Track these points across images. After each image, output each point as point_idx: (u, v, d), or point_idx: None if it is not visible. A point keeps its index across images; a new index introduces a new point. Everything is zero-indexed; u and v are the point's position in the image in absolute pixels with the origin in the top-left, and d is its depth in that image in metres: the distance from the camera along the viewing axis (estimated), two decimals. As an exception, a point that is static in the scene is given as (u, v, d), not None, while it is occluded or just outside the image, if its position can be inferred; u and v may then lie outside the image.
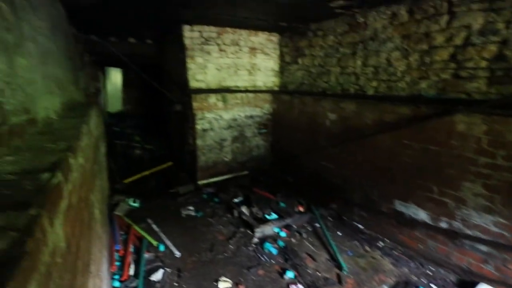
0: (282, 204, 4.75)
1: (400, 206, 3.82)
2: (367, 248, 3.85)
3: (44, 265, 0.73)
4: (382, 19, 3.91)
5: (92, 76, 8.00)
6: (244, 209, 4.52)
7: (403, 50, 3.69)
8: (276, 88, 6.28)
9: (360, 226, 4.41)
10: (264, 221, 4.22)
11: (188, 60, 5.26)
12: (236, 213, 4.49)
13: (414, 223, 3.67)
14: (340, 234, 4.23)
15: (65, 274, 1.00)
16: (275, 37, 6.03)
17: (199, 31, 5.24)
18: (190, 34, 5.18)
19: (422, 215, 3.57)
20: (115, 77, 12.81)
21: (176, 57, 5.85)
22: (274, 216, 4.39)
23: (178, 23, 5.02)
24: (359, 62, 4.33)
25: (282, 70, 6.15)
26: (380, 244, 3.94)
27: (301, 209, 4.67)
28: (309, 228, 4.29)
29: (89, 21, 4.76)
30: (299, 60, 5.59)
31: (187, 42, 5.18)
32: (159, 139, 9.29)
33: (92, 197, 2.23)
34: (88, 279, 1.55)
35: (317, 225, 4.34)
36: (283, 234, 4.06)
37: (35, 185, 0.96)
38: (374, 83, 4.13)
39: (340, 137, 4.62)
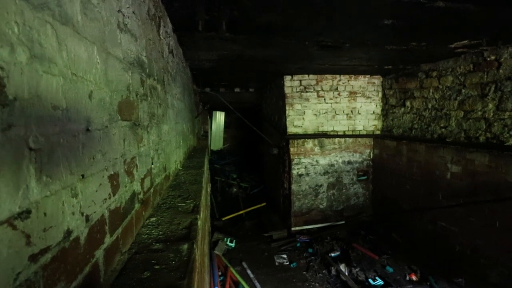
0: (389, 269, 4.09)
1: None
2: None
3: None
4: (524, 56, 3.23)
5: (203, 120, 9.24)
6: (342, 268, 4.08)
7: (562, 91, 2.90)
8: (378, 132, 5.83)
9: (502, 314, 3.35)
10: (368, 286, 3.68)
11: (287, 108, 5.48)
12: (333, 271, 4.09)
13: None
14: (472, 321, 3.29)
15: None
16: (377, 80, 5.74)
17: (299, 80, 5.45)
18: (290, 83, 5.44)
19: None
20: (219, 118, 14.45)
21: (275, 103, 6.20)
22: (379, 282, 3.79)
23: (280, 74, 5.37)
24: (491, 106, 3.62)
25: (386, 114, 5.71)
26: None
27: (414, 277, 3.91)
28: (427, 305, 3.51)
29: (206, 78, 5.60)
30: (407, 103, 5.09)
31: (287, 91, 5.44)
32: (254, 177, 9.74)
33: (205, 246, 2.39)
34: None
35: (438, 303, 3.51)
36: (392, 307, 3.43)
37: (178, 259, 1.04)
38: (516, 131, 3.33)
39: (467, 195, 3.80)
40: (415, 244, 4.60)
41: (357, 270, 4.00)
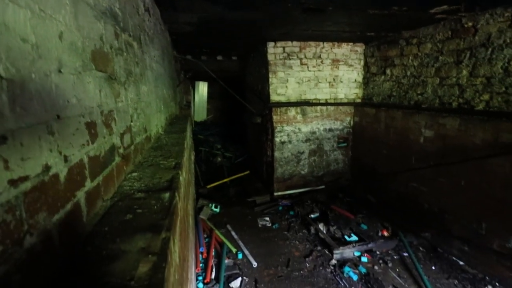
0: (363, 226, 4.40)
1: (520, 247, 3.10)
2: (471, 291, 3.23)
3: (171, 285, 0.82)
4: (498, 23, 3.31)
5: (185, 90, 9.02)
6: (321, 227, 4.36)
7: (529, 57, 3.04)
8: (359, 100, 5.95)
9: (460, 262, 3.75)
10: (344, 242, 3.98)
11: (270, 75, 5.43)
12: (312, 230, 4.36)
13: (542, 272, 2.92)
14: (434, 268, 3.67)
15: (178, 286, 1.11)
16: (360, 47, 5.74)
17: (283, 47, 5.37)
18: (273, 50, 5.35)
19: (556, 263, 2.81)
20: (202, 89, 14.13)
21: (258, 72, 6.12)
22: (354, 238, 4.10)
23: (263, 41, 5.25)
24: (465, 72, 3.75)
25: (367, 82, 5.79)
26: (488, 287, 3.26)
27: (385, 233, 4.24)
28: (395, 257, 3.86)
29: (186, 44, 5.40)
30: (387, 71, 5.17)
31: (270, 58, 5.37)
32: (238, 147, 9.82)
33: (188, 206, 2.47)
34: (188, 286, 1.70)
35: (405, 254, 3.86)
36: (364, 259, 3.75)
37: (160, 205, 1.09)
38: (486, 96, 3.50)
39: (438, 157, 4.05)
40: (389, 204, 4.94)
41: (334, 228, 4.29)
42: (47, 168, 0.68)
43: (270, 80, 5.45)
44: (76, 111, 0.86)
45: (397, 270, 3.62)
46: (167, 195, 1.19)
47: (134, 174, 1.47)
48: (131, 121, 1.58)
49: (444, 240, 3.98)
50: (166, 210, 1.06)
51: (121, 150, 1.33)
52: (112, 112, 1.23)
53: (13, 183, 0.55)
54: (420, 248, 4.04)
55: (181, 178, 1.57)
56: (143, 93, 1.98)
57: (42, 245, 0.63)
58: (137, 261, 0.74)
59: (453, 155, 3.80)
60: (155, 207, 1.08)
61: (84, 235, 0.86)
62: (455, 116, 3.80)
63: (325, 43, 5.54)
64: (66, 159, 0.78)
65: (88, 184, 0.93)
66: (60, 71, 0.77)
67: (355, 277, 3.45)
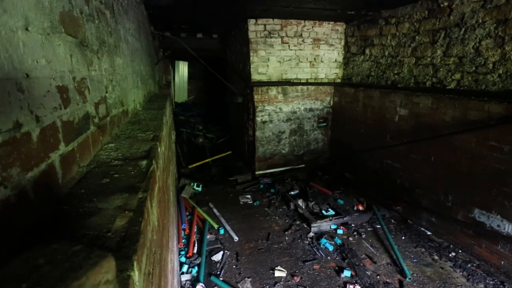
0: (340, 201, 4.62)
1: (480, 215, 3.39)
2: (436, 257, 3.53)
3: (149, 242, 0.86)
4: (472, 3, 3.42)
5: (164, 69, 8.75)
6: (300, 203, 4.53)
7: (497, 37, 3.19)
8: (339, 80, 6.04)
9: (428, 232, 4.05)
10: (321, 216, 4.17)
11: (252, 54, 5.38)
12: (292, 206, 4.52)
13: (496, 236, 3.23)
14: (404, 238, 3.95)
15: (157, 249, 1.16)
16: (340, 27, 5.76)
17: (264, 25, 5.29)
18: (255, 28, 5.27)
19: (509, 228, 3.11)
20: (182, 69, 13.75)
21: (239, 50, 6.03)
22: (331, 212, 4.31)
23: (244, 18, 5.14)
24: (439, 52, 3.89)
25: (347, 62, 5.86)
26: (452, 254, 3.57)
27: (360, 208, 4.48)
28: (369, 229, 4.11)
29: (164, 19, 5.19)
30: (367, 51, 5.25)
31: (251, 36, 5.29)
32: (220, 128, 9.79)
33: (169, 180, 2.49)
34: (168, 254, 1.76)
35: (378, 226, 4.12)
36: (340, 231, 3.97)
37: (137, 171, 1.12)
38: (457, 76, 3.67)
39: (411, 135, 4.25)
40: (364, 181, 5.18)
41: (312, 204, 4.47)
42: (18, 125, 0.68)
43: (251, 59, 5.40)
44: (46, 73, 0.85)
45: (370, 241, 3.87)
46: (144, 162, 1.21)
47: (111, 145, 1.47)
48: (106, 92, 1.55)
49: (414, 212, 4.27)
50: (143, 175, 1.08)
51: (96, 120, 1.32)
52: (85, 80, 1.21)
53: (-17, 134, 0.56)
54: (392, 221, 4.31)
55: (159, 149, 1.59)
56: (118, 65, 1.93)
57: (16, 198, 0.65)
58: (114, 216, 0.77)
59: (425, 132, 4.00)
60: (132, 172, 1.10)
61: (61, 196, 0.87)
62: (428, 95, 3.97)
63: (306, 21, 5.51)
64: (37, 120, 0.77)
65: (63, 148, 0.93)
66: (27, 29, 0.76)
67: (331, 248, 3.66)
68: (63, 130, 0.94)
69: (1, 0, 0.65)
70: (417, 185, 4.21)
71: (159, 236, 1.28)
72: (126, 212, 0.80)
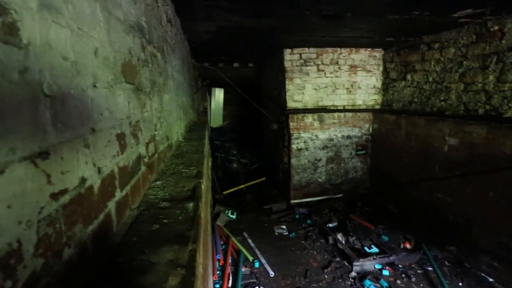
0: (384, 238, 4.26)
1: (558, 264, 2.90)
2: (503, 311, 3.04)
3: (198, 299, 0.82)
4: (529, 25, 3.17)
5: (202, 96, 9.16)
6: (340, 237, 4.25)
7: None
8: (378, 107, 5.83)
9: (489, 279, 3.54)
10: (364, 254, 3.86)
11: (287, 82, 5.43)
12: (331, 240, 4.26)
13: None
14: (461, 284, 3.48)
15: (201, 298, 1.11)
16: (378, 53, 5.65)
17: (299, 54, 5.37)
18: (290, 57, 5.36)
19: None
20: (218, 95, 14.31)
21: (275, 78, 6.14)
22: (374, 249, 3.97)
23: (279, 47, 5.27)
24: (491, 78, 3.60)
25: (386, 88, 5.67)
26: (523, 308, 3.06)
27: (408, 246, 4.09)
28: (419, 271, 3.70)
29: (204, 52, 5.50)
30: (408, 76, 5.05)
31: (286, 64, 5.37)
32: (253, 153, 9.83)
33: (207, 213, 2.48)
34: (207, 295, 1.70)
35: (430, 268, 3.69)
36: (386, 272, 3.61)
37: (184, 215, 1.10)
38: (516, 103, 3.35)
39: (463, 167, 3.88)
40: (410, 215, 4.76)
41: (353, 239, 4.18)
42: (83, 180, 0.70)
43: (286, 86, 5.44)
44: (109, 124, 0.89)
45: (421, 285, 3.47)
46: (191, 205, 1.20)
47: (158, 182, 1.50)
48: (155, 130, 1.61)
49: (471, 254, 3.79)
50: (190, 220, 1.06)
51: (146, 159, 1.36)
52: (139, 123, 1.26)
53: (54, 196, 0.57)
54: (446, 263, 3.85)
55: (202, 186, 1.58)
56: (165, 102, 2.02)
57: (78, 256, 0.65)
58: (166, 274, 0.74)
59: (481, 164, 3.63)
60: (180, 217, 1.09)
61: (114, 245, 0.87)
62: (482, 124, 3.64)
63: (342, 49, 5.49)
64: (99, 171, 0.80)
65: (118, 194, 0.95)
66: (95, 86, 0.80)
67: (376, 290, 3.33)
68: (119, 176, 0.96)
69: (75, 63, 0.69)
70: (474, 223, 3.76)
71: (202, 283, 1.24)
72: (178, 269, 0.76)
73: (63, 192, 0.61)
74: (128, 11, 1.18)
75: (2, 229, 0.44)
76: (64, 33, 0.64)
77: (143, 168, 1.29)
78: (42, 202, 0.54)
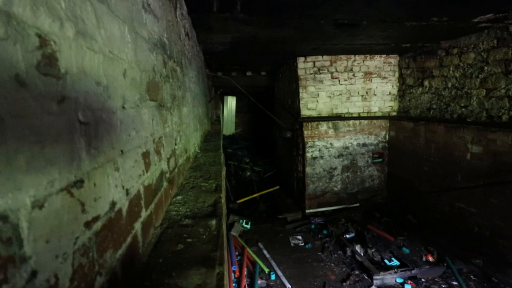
0: (405, 250, 4.10)
1: None
2: (538, 331, 2.85)
3: (227, 326, 0.79)
4: (556, 28, 3.04)
5: (215, 105, 9.25)
6: (358, 248, 4.13)
7: None
8: (394, 114, 5.70)
9: (521, 294, 3.34)
10: (384, 267, 3.72)
11: (301, 90, 5.40)
12: (349, 252, 4.14)
13: None
14: (489, 300, 3.30)
15: (226, 320, 1.07)
16: (394, 59, 5.55)
17: (313, 62, 5.34)
18: (304, 65, 5.34)
19: None
20: (231, 103, 14.42)
21: (288, 86, 6.12)
22: (395, 262, 3.83)
23: (293, 56, 5.27)
24: (516, 83, 3.46)
25: (403, 94, 5.55)
26: (560, 329, 2.85)
27: (430, 259, 3.92)
28: (443, 285, 3.52)
29: (218, 62, 5.56)
30: (425, 83, 4.92)
31: (300, 73, 5.35)
32: (266, 161, 9.79)
33: (223, 225, 2.46)
34: (228, 313, 1.66)
35: (455, 283, 3.52)
36: (408, 287, 3.46)
37: (208, 234, 1.08)
38: (543, 109, 3.19)
39: (488, 176, 3.71)
40: (432, 226, 4.58)
41: (372, 251, 4.04)
42: (113, 204, 0.69)
43: (300, 95, 5.42)
44: (135, 143, 0.89)
45: (446, 299, 3.31)
46: (213, 222, 1.18)
47: (179, 197, 1.49)
48: (175, 144, 1.62)
49: (499, 268, 3.59)
50: (214, 240, 1.04)
51: (167, 175, 1.36)
52: (161, 138, 1.26)
53: (87, 225, 0.56)
54: (471, 277, 3.66)
55: (223, 201, 1.57)
56: (184, 115, 2.03)
57: (108, 283, 0.63)
58: (196, 300, 0.72)
59: (507, 173, 3.46)
60: (204, 236, 1.07)
61: (141, 267, 0.86)
62: (507, 131, 3.49)
63: (356, 56, 5.43)
64: (127, 193, 0.79)
65: (144, 214, 0.94)
66: (123, 107, 0.80)
67: (398, 306, 3.19)
68: (145, 196, 0.96)
69: (107, 87, 0.69)
70: (501, 235, 3.58)
71: (225, 302, 1.20)
72: (207, 294, 0.74)
73: (96, 219, 0.60)
74: (152, 29, 1.19)
75: (41, 266, 0.43)
76: (97, 59, 0.65)
77: (165, 184, 1.28)
78: (77, 232, 0.53)
